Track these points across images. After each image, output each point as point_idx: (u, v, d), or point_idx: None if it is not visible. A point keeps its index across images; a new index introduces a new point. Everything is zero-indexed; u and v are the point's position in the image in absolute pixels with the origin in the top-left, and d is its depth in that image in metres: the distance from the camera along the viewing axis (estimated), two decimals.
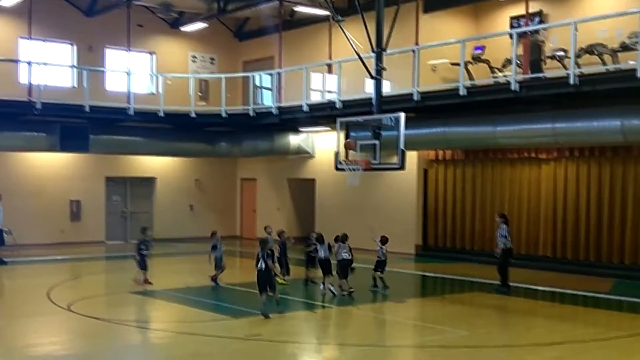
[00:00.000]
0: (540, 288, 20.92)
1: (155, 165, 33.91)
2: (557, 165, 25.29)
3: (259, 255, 16.20)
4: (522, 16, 24.70)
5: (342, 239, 19.56)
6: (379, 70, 20.14)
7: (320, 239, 19.97)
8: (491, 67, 24.59)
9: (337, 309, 18.11)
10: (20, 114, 27.14)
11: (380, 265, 20.29)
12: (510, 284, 20.20)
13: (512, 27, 24.03)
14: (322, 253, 19.58)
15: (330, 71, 28.57)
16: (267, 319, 15.74)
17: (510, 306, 18.67)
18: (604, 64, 21.37)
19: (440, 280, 23.42)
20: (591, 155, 24.31)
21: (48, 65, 28.77)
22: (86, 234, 31.47)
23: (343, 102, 25.86)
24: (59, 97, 27.54)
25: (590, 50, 21.62)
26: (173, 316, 16.97)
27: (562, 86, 20.24)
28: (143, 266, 20.75)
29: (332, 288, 19.02)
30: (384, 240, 20.47)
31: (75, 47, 31.38)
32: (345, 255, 19.25)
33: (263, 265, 16.09)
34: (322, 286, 19.54)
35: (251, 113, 29.75)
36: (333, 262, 19.50)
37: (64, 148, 28.36)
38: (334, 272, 19.38)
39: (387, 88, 23.61)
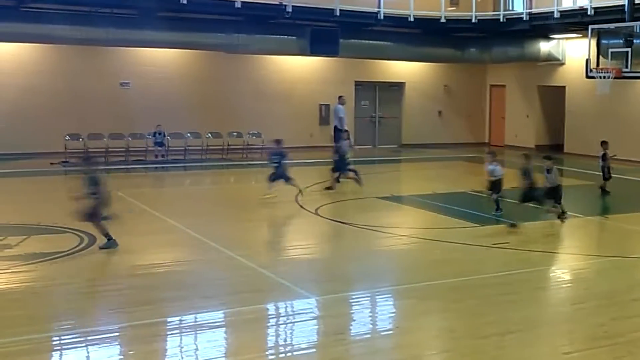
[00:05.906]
0: None
1: (404, 70, 33.91)
2: None
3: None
4: None
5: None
6: None
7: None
8: None
9: (584, 218, 17.85)
10: (271, 17, 27.61)
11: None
12: None
13: None
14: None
15: None
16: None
17: None
18: None
19: None
20: None
21: None
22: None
23: (595, 8, 24.99)
24: (309, 1, 27.66)
25: None
26: (419, 222, 17.15)
27: None
28: None
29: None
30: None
31: None
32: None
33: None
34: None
35: (501, 19, 29.37)
36: None
37: (313, 52, 28.67)
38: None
39: None
